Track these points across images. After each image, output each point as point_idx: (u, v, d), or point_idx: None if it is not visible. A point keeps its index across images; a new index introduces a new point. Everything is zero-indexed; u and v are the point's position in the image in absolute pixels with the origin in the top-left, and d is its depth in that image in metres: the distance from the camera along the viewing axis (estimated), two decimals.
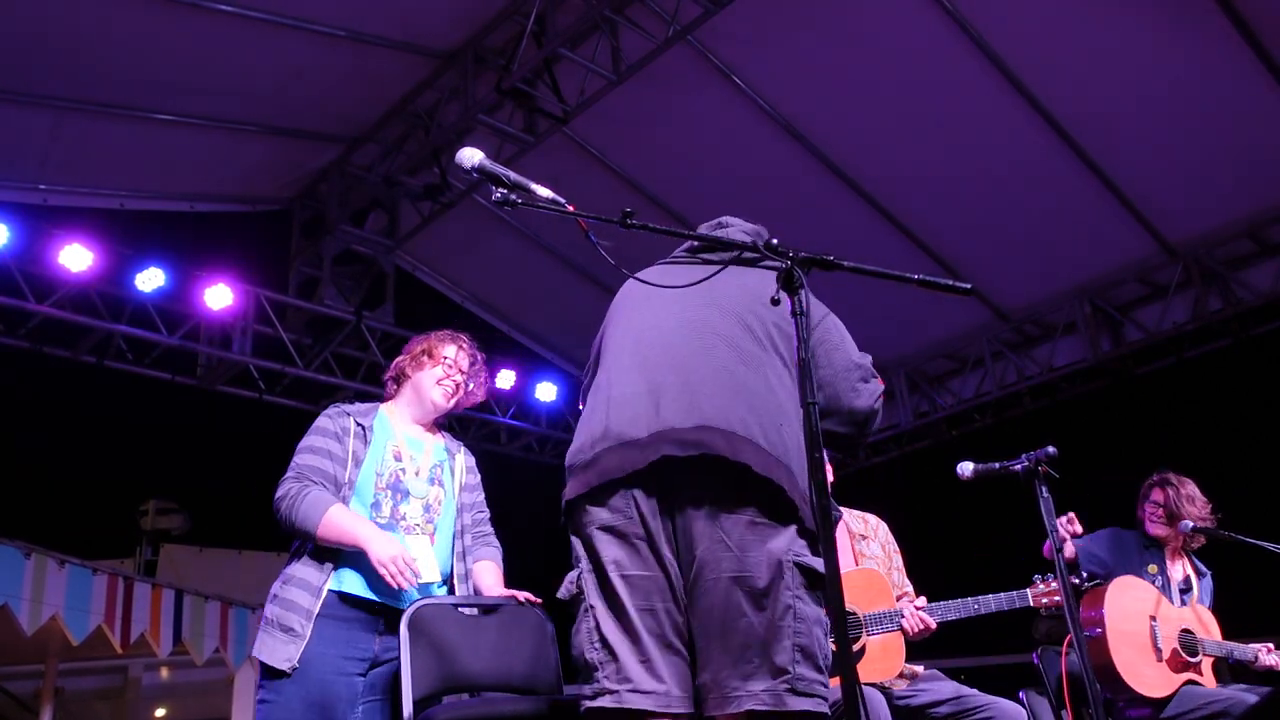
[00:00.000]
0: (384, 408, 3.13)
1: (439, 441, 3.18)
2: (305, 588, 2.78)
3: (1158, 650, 3.95)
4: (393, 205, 8.07)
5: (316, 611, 2.74)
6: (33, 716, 8.99)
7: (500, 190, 2.05)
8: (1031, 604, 3.45)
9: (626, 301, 2.55)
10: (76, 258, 6.56)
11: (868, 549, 3.69)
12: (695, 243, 2.55)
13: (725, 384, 2.17)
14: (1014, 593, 3.47)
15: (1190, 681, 3.94)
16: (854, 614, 3.39)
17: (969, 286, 1.94)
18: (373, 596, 2.80)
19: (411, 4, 6.54)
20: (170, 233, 7.34)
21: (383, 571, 2.69)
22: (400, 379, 3.17)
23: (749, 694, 2.01)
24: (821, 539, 1.82)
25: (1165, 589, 4.23)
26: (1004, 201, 7.38)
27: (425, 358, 3.15)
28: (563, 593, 2.23)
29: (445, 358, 3.16)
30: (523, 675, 2.83)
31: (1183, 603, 4.24)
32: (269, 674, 2.72)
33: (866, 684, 3.26)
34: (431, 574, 2.91)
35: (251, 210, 8.03)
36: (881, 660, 3.37)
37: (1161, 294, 7.80)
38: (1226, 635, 4.24)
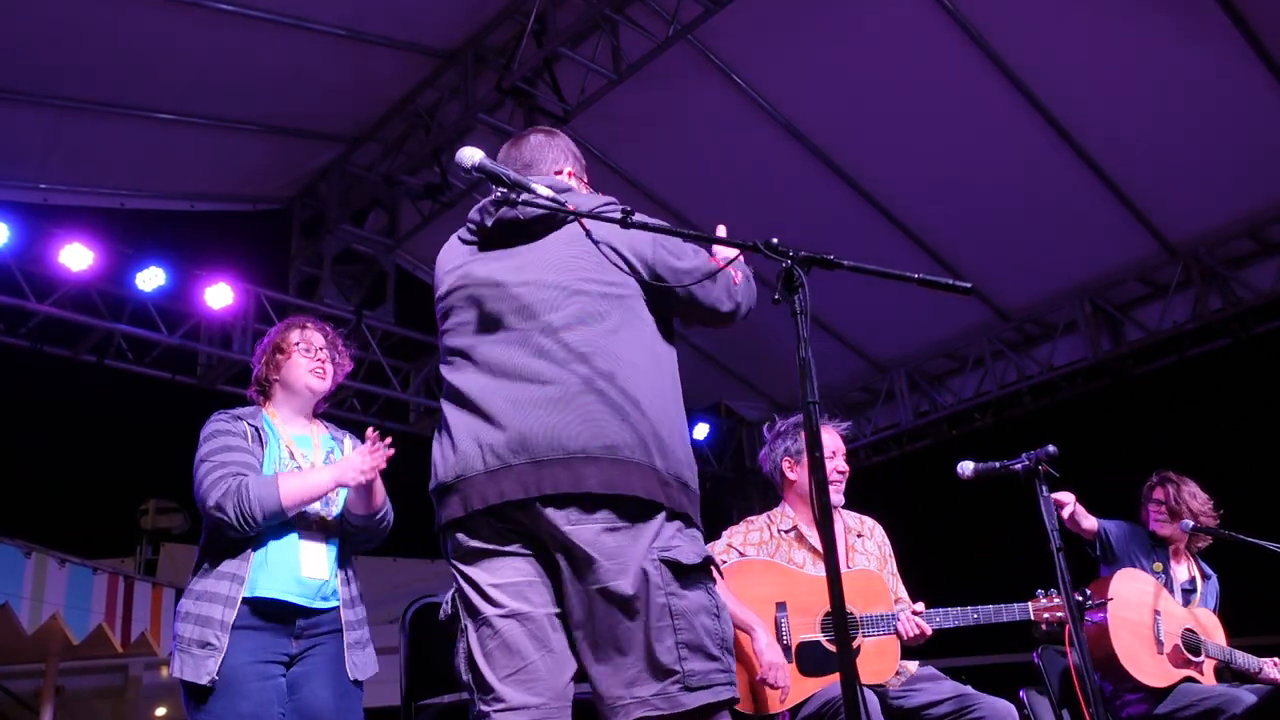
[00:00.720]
0: (265, 411, 3.10)
1: (324, 433, 3.16)
2: (217, 600, 2.77)
3: (1159, 643, 3.96)
4: (393, 204, 8.07)
5: (231, 623, 2.74)
6: (33, 716, 8.99)
7: (500, 189, 2.05)
8: (1033, 618, 3.43)
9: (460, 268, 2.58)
10: (77, 257, 6.56)
11: (862, 546, 3.67)
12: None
13: (548, 400, 2.14)
14: (1015, 605, 3.44)
15: (1189, 679, 3.95)
16: (851, 614, 3.33)
17: (969, 286, 1.94)
18: (287, 599, 2.81)
19: (412, 3, 6.54)
20: (171, 232, 7.35)
21: (368, 477, 2.80)
22: (266, 386, 3.13)
23: (638, 700, 2.01)
24: (823, 539, 1.82)
25: (1169, 588, 4.24)
26: (1005, 201, 7.37)
27: (279, 355, 3.11)
28: (441, 614, 2.25)
29: (298, 345, 3.11)
30: None
31: (1185, 603, 4.24)
32: (193, 693, 2.71)
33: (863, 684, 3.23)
34: (325, 569, 2.91)
35: (252, 209, 8.03)
36: (876, 661, 3.35)
37: (1162, 293, 7.79)
38: (1229, 633, 4.25)
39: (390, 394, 8.24)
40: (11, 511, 7.00)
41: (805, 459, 3.22)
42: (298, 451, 3.00)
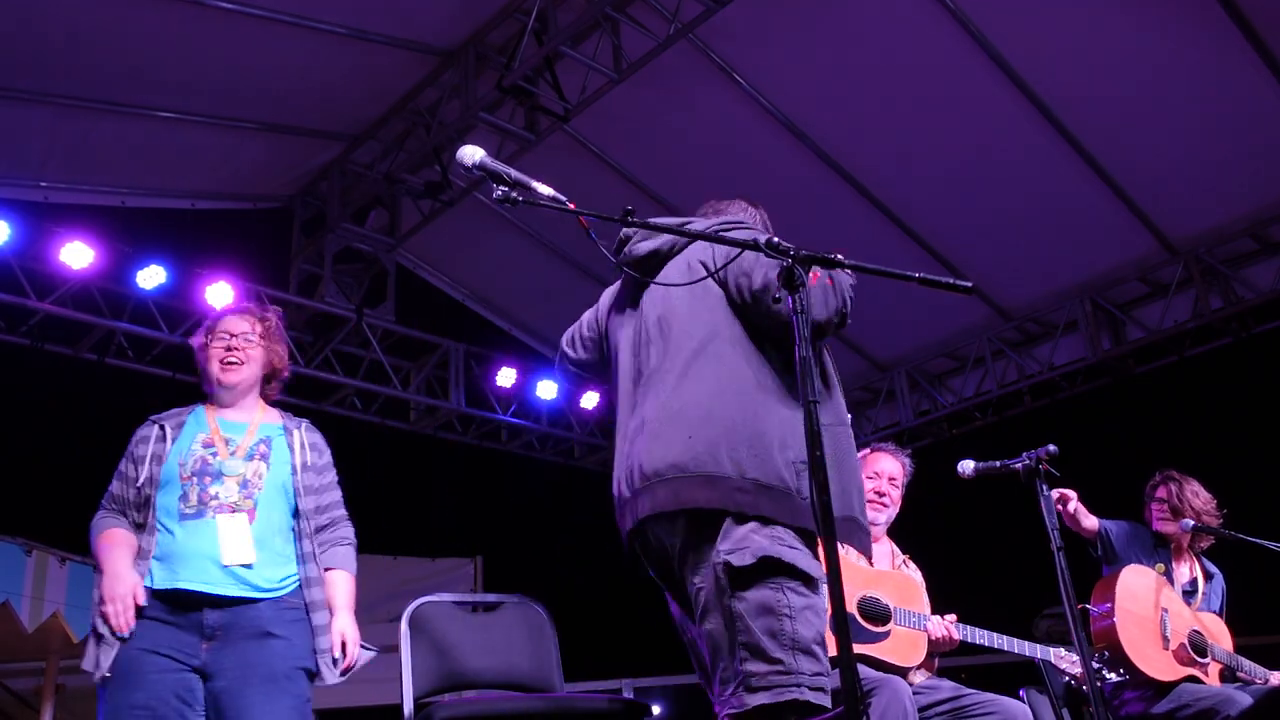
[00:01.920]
0: (205, 405, 3.06)
1: (268, 420, 3.07)
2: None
3: (1165, 639, 3.97)
4: (393, 203, 8.07)
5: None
6: (34, 713, 8.98)
7: (501, 188, 2.06)
8: (1053, 661, 3.53)
9: (616, 308, 2.70)
10: (77, 255, 6.56)
11: (908, 572, 3.80)
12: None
13: (638, 431, 2.38)
14: (1040, 646, 3.57)
15: (1192, 679, 3.96)
16: (882, 601, 3.49)
17: (970, 284, 1.94)
18: (187, 586, 2.70)
19: (413, 2, 6.54)
20: (171, 230, 7.34)
21: (101, 610, 2.68)
22: (201, 374, 3.08)
23: (722, 700, 2.15)
24: (823, 536, 1.82)
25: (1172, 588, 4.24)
26: (1005, 199, 7.37)
27: (205, 336, 3.06)
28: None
29: (224, 333, 3.03)
30: (524, 673, 2.84)
31: (1187, 603, 4.25)
32: (101, 684, 2.66)
33: (891, 666, 3.38)
34: (245, 555, 2.79)
35: (252, 208, 8.02)
36: (908, 647, 3.47)
37: (1163, 292, 7.80)
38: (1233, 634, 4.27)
39: (390, 392, 8.24)
40: (12, 510, 6.99)
41: None
42: (219, 438, 2.92)
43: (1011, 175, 7.18)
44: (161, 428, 2.93)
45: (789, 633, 2.10)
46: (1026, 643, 3.67)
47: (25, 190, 6.98)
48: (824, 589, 2.17)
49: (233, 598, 2.73)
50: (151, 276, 6.86)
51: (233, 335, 3.03)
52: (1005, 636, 3.65)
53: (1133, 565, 4.13)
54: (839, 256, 1.91)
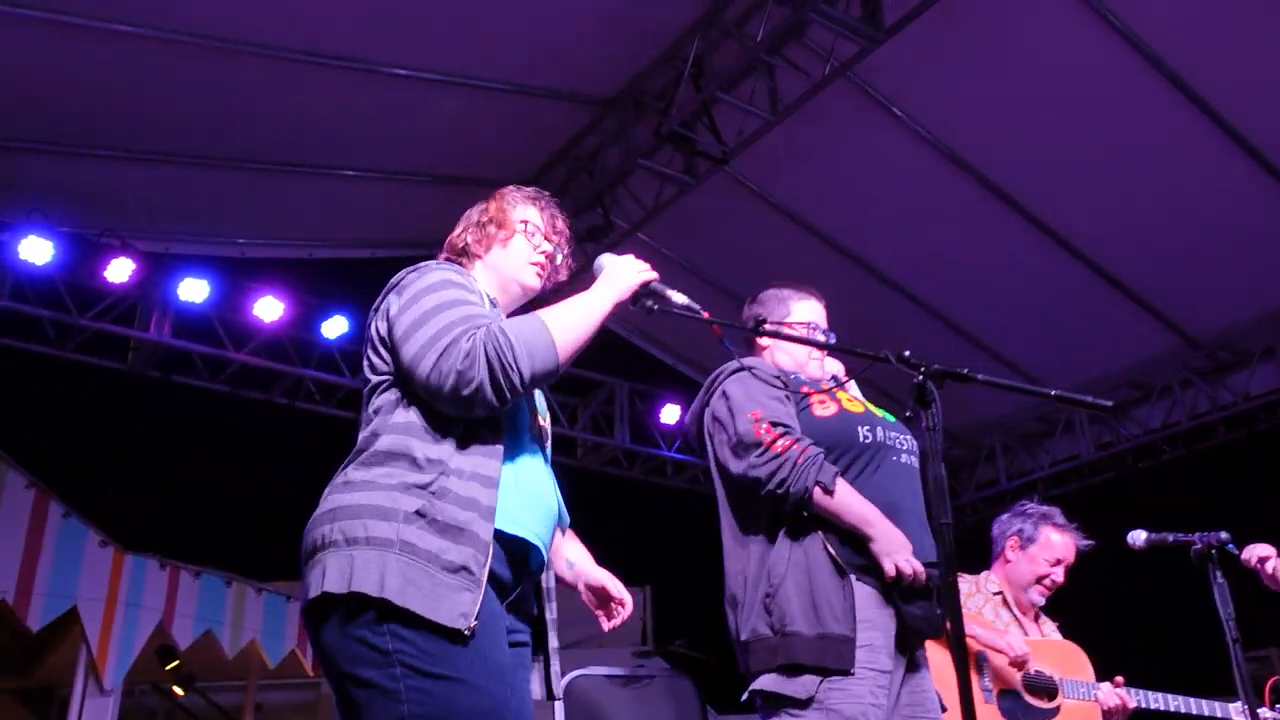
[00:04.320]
0: None
1: None
2: (470, 507, 1.91)
3: None
4: None
5: (491, 549, 1.90)
6: None
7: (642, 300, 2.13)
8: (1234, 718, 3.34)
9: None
10: (269, 309, 7.06)
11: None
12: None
13: None
14: (1220, 703, 3.38)
15: None
16: (1051, 676, 3.41)
17: (1110, 404, 1.86)
18: (525, 535, 2.02)
19: (572, 54, 6.73)
20: (352, 279, 7.79)
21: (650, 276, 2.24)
22: (460, 259, 2.35)
23: None
24: (949, 611, 1.82)
25: None
26: (1188, 223, 6.98)
27: (495, 228, 2.36)
28: None
29: (526, 223, 2.38)
30: None
31: None
32: (431, 633, 1.81)
33: None
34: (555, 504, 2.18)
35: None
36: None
37: None
38: None
39: (557, 430, 8.46)
40: (214, 544, 7.57)
41: (1034, 552, 3.62)
42: None
43: (1195, 199, 6.79)
44: (492, 304, 2.26)
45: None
46: (1205, 700, 3.46)
47: (223, 247, 7.55)
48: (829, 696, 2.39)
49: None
50: (335, 326, 7.30)
51: (554, 233, 2.44)
52: (1182, 697, 3.46)
53: None
54: (967, 371, 1.88)
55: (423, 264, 2.18)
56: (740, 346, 3.01)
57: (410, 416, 2.01)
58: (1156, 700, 3.45)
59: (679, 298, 2.15)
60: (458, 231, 2.41)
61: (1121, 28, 5.89)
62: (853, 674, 2.38)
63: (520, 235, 2.37)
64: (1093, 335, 8.05)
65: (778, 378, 2.72)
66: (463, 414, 1.97)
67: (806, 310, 2.93)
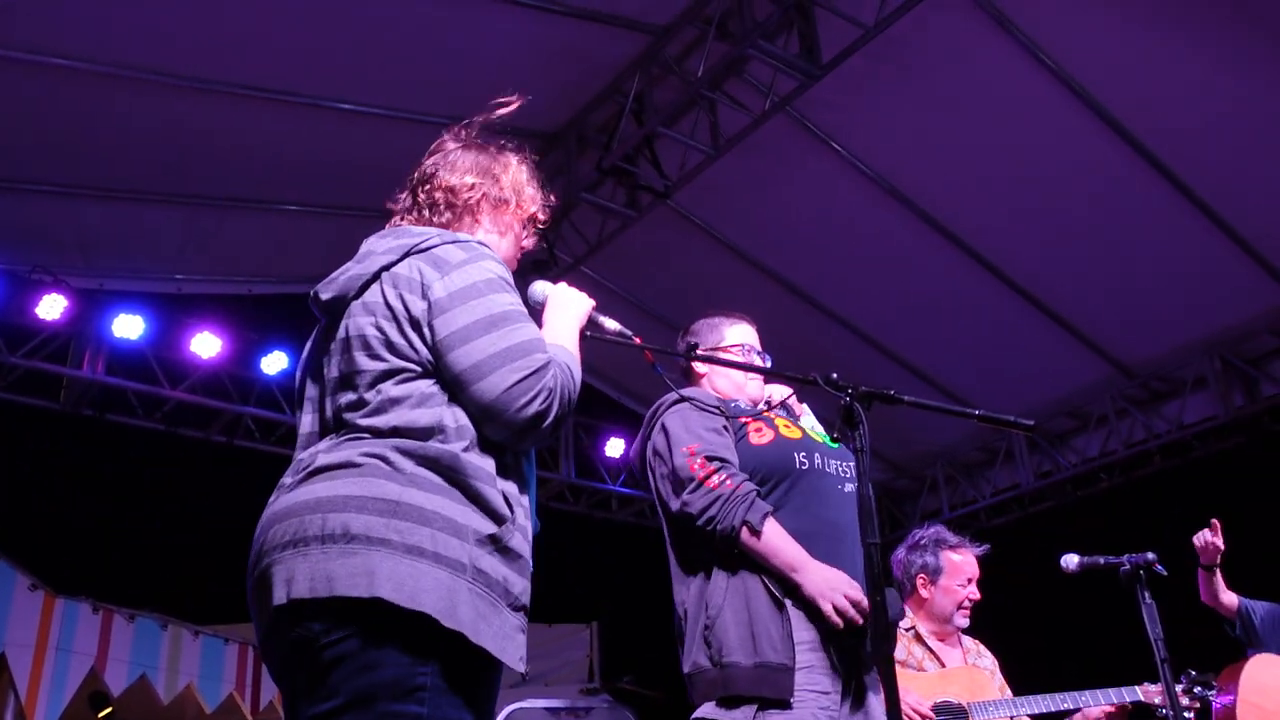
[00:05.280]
0: None
1: None
2: (527, 538, 1.86)
3: None
4: None
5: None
6: None
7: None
8: (1142, 698, 3.40)
9: None
10: (206, 345, 6.95)
11: (981, 663, 3.78)
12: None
13: None
14: (1124, 689, 3.46)
15: None
16: (957, 704, 3.48)
17: (1031, 424, 1.88)
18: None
19: (513, 89, 6.73)
20: (293, 315, 7.70)
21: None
22: (461, 212, 2.15)
23: None
24: (876, 631, 1.83)
25: None
26: (1122, 255, 7.13)
27: (507, 211, 2.20)
28: None
29: (534, 219, 2.27)
30: None
31: None
32: (469, 683, 1.68)
33: None
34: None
35: None
36: None
37: None
38: None
39: None
40: (149, 586, 7.39)
41: (944, 583, 3.65)
42: None
43: (1129, 231, 6.94)
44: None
45: None
46: (1100, 691, 3.52)
47: (160, 283, 7.43)
48: None
49: None
50: (275, 362, 7.21)
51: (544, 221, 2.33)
52: (1084, 693, 3.52)
53: (1265, 655, 3.91)
54: (893, 392, 1.90)
55: (463, 238, 1.97)
56: (677, 376, 3.02)
57: (461, 422, 1.80)
58: (1066, 701, 3.52)
59: (611, 324, 2.15)
60: (466, 181, 2.15)
61: (1055, 67, 6.04)
62: (791, 704, 2.37)
63: (525, 230, 2.24)
64: (1031, 366, 8.18)
65: (717, 406, 2.73)
66: (507, 442, 1.83)
67: (739, 334, 2.96)
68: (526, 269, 7.89)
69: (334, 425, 1.88)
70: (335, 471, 1.76)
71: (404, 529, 1.66)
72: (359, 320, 1.90)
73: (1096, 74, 6.11)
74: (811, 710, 2.38)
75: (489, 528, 1.72)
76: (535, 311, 2.11)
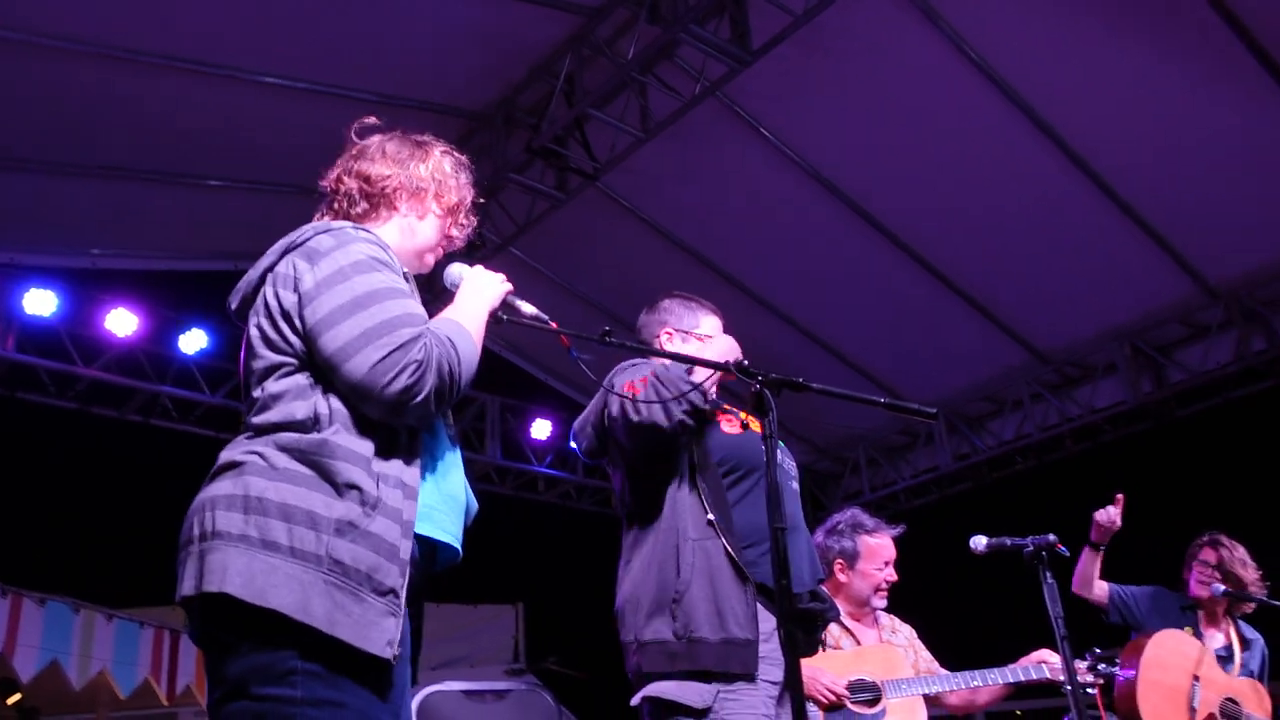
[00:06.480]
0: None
1: None
2: (397, 520, 1.80)
3: (1192, 710, 3.90)
4: None
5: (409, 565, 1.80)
6: None
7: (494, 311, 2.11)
8: (1049, 675, 3.53)
9: None
10: (122, 322, 6.77)
11: (896, 639, 3.87)
12: None
13: None
14: (1022, 667, 3.59)
15: None
16: (872, 681, 3.56)
17: (934, 411, 1.95)
18: (444, 539, 1.94)
19: (443, 68, 6.68)
20: (214, 293, 7.55)
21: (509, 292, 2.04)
22: (378, 201, 2.14)
23: None
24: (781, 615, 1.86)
25: None
26: (1040, 245, 7.33)
27: (429, 197, 2.17)
28: None
29: (460, 207, 2.22)
30: None
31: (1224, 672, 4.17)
32: (347, 660, 1.69)
33: None
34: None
35: None
36: (906, 715, 3.55)
37: (1203, 334, 7.68)
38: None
39: None
40: (61, 569, 7.21)
41: (862, 567, 3.71)
42: None
43: (1045, 222, 7.13)
44: (407, 279, 2.09)
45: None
46: (1006, 668, 3.65)
47: (74, 258, 7.22)
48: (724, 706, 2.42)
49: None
50: (193, 340, 7.05)
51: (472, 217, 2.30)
52: (993, 670, 3.65)
53: (1168, 630, 4.06)
54: (801, 380, 1.94)
55: (336, 226, 1.98)
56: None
57: (334, 407, 1.82)
58: (975, 678, 3.62)
59: (527, 308, 2.15)
60: (382, 171, 2.13)
61: (978, 59, 6.17)
62: (756, 679, 2.42)
63: (449, 219, 2.20)
64: (952, 351, 8.37)
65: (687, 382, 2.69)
66: (387, 419, 1.83)
67: (713, 325, 2.99)
68: (454, 249, 7.84)
69: (242, 426, 1.93)
70: (224, 472, 1.82)
71: (263, 525, 1.71)
72: (250, 323, 1.96)
73: (1017, 67, 6.25)
74: (763, 697, 2.45)
75: (351, 514, 1.73)
76: (450, 293, 2.11)
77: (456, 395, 1.88)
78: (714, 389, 2.70)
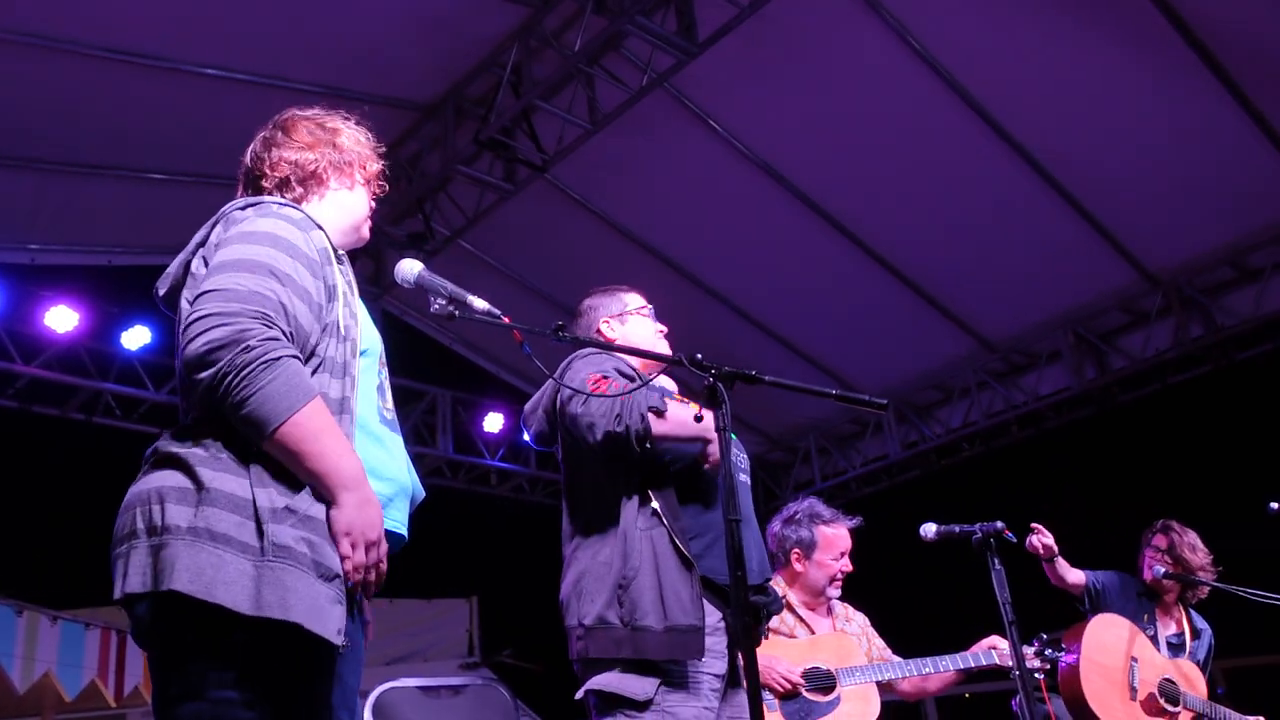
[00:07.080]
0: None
1: None
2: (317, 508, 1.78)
3: (1132, 689, 3.99)
4: (378, 253, 8.13)
5: None
6: None
7: (439, 301, 2.10)
8: (998, 661, 3.58)
9: None
10: (62, 319, 6.63)
11: (849, 628, 3.91)
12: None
13: None
14: (973, 654, 3.64)
15: None
16: (826, 670, 3.61)
17: (884, 403, 1.98)
18: (392, 527, 1.91)
19: (390, 59, 6.62)
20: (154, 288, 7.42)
21: (351, 559, 1.73)
22: (309, 182, 2.12)
23: None
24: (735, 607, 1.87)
25: (1154, 641, 4.27)
26: (985, 235, 7.43)
27: (353, 170, 2.18)
28: None
29: (379, 175, 2.26)
30: None
31: (1172, 657, 4.27)
32: (293, 657, 1.68)
33: None
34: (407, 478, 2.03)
35: None
36: (861, 705, 3.58)
37: (1143, 322, 7.84)
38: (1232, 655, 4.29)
39: None
40: (3, 570, 7.06)
41: (818, 557, 3.75)
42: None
43: (990, 211, 7.23)
44: (334, 251, 2.07)
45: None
46: (957, 655, 3.72)
47: (12, 253, 7.05)
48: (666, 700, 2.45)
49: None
50: (137, 336, 6.93)
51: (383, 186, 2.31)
52: (944, 657, 3.71)
53: (1104, 615, 4.16)
54: (754, 372, 1.96)
55: (263, 201, 1.96)
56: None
57: None
58: (927, 665, 3.69)
59: (479, 303, 2.14)
60: (307, 156, 2.10)
61: (921, 50, 6.24)
62: (702, 663, 2.44)
63: (371, 186, 2.22)
64: (900, 340, 8.46)
65: (635, 375, 2.71)
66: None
67: (634, 299, 3.05)
68: (403, 243, 7.79)
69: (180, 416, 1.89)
70: (158, 462, 1.78)
71: (210, 516, 1.66)
72: (181, 304, 1.93)
73: (960, 58, 6.33)
74: (705, 690, 2.47)
75: (286, 499, 1.70)
76: (400, 288, 2.10)
77: (234, 413, 1.72)
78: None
